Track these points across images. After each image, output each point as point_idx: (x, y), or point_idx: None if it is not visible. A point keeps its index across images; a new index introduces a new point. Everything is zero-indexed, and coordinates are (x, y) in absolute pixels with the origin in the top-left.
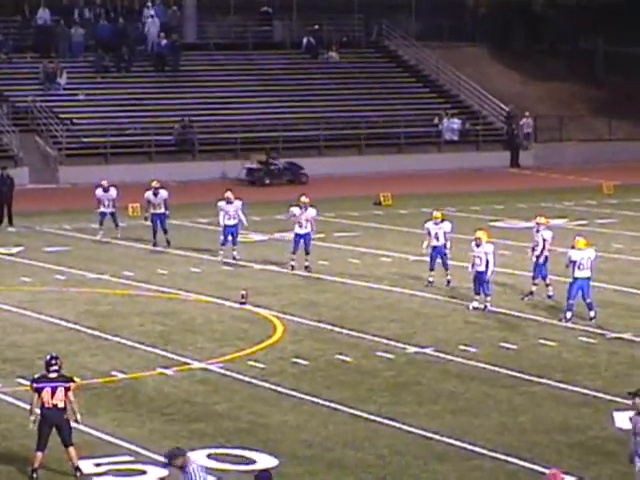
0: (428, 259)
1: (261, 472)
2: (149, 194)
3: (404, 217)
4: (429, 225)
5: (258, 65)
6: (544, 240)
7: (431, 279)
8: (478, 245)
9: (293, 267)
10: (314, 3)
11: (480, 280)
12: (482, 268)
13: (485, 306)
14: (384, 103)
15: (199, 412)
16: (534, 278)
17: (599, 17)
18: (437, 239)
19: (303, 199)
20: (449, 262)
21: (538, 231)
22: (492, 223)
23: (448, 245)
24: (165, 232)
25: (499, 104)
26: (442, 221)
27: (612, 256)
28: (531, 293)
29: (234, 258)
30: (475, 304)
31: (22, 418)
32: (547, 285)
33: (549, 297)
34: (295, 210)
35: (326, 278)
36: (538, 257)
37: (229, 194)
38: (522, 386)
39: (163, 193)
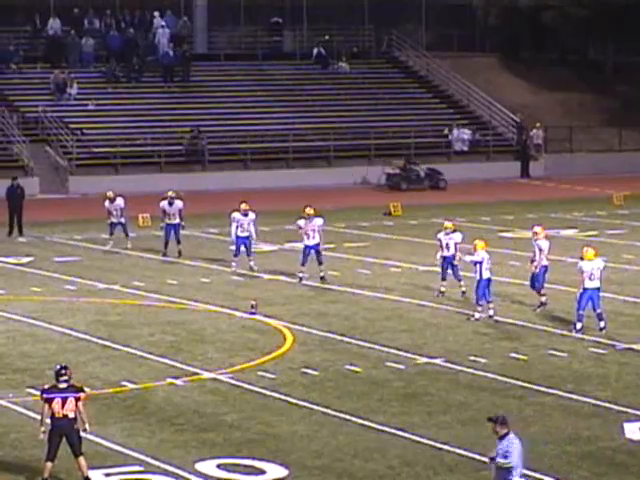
0: (439, 269)
1: None
2: (164, 204)
3: (414, 227)
4: (440, 235)
5: (268, 75)
6: (540, 250)
7: (442, 289)
8: (475, 250)
9: (301, 279)
10: (324, 13)
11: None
12: (478, 277)
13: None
14: (394, 113)
15: (209, 422)
16: (539, 289)
17: (609, 27)
18: (447, 249)
19: (308, 210)
20: (461, 273)
21: (536, 240)
22: (502, 234)
23: (457, 256)
24: (178, 242)
25: (509, 114)
26: (453, 231)
27: (622, 267)
28: (542, 304)
29: (251, 269)
30: (477, 315)
31: (32, 428)
32: (541, 295)
33: (542, 305)
34: (301, 222)
35: (336, 288)
36: (536, 267)
37: (244, 205)
38: (532, 397)
39: (178, 203)
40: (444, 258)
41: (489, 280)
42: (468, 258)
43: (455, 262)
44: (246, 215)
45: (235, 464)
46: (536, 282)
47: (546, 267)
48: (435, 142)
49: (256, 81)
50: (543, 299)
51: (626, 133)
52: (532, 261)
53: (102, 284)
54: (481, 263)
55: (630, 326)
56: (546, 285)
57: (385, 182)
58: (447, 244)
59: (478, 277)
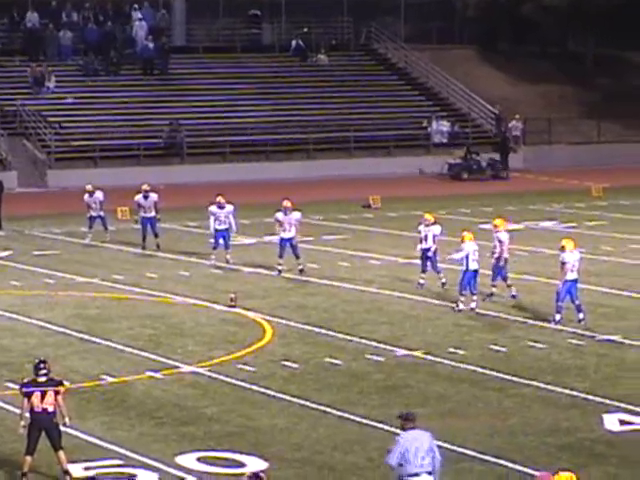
0: (419, 261)
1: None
2: (139, 197)
3: (393, 220)
4: (420, 228)
5: (247, 68)
6: (500, 242)
7: (422, 281)
8: (462, 241)
9: (280, 272)
10: (303, 6)
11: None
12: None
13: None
14: (373, 106)
15: (189, 415)
16: (493, 280)
17: (589, 19)
18: (426, 241)
19: (285, 203)
20: (439, 265)
21: (496, 233)
22: (481, 225)
23: (433, 248)
24: (156, 236)
25: (488, 106)
26: (433, 224)
27: (601, 258)
28: (491, 294)
29: (227, 262)
30: (462, 306)
31: (11, 422)
32: (508, 286)
33: (513, 297)
34: (279, 215)
35: (315, 281)
36: (498, 259)
37: (221, 198)
38: (511, 388)
39: (153, 196)
40: (423, 250)
41: (476, 272)
42: (456, 256)
43: (430, 254)
44: (222, 208)
45: (215, 457)
46: (498, 274)
47: (506, 259)
48: (414, 134)
49: (235, 74)
50: (493, 290)
51: (605, 125)
52: (492, 253)
53: (81, 277)
54: (467, 255)
55: (609, 317)
56: (525, 277)
57: (447, 172)
58: (426, 236)
59: (464, 268)
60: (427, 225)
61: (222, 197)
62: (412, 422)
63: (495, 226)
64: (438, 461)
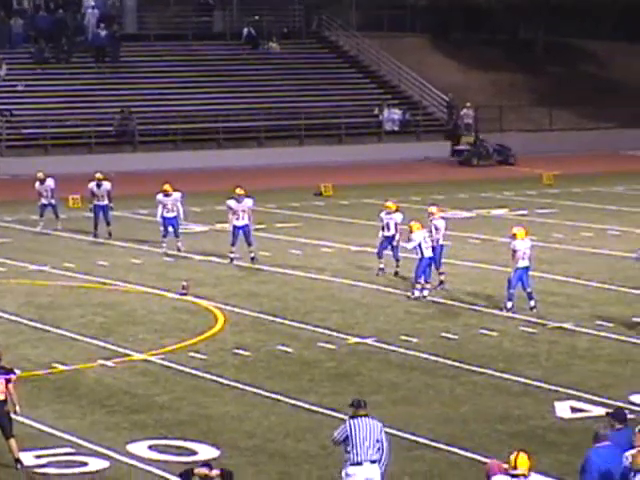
0: (376, 249)
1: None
2: (92, 185)
3: (345, 208)
4: (382, 215)
5: (198, 56)
6: (437, 229)
7: (381, 266)
8: (411, 232)
9: (232, 260)
10: None
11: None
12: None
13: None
14: (324, 94)
15: (140, 403)
16: (437, 268)
17: (538, 7)
18: (388, 229)
19: (238, 190)
20: (400, 254)
21: (432, 220)
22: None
23: (397, 237)
24: (108, 224)
25: (440, 94)
26: (395, 211)
27: (552, 246)
28: (441, 282)
29: (179, 249)
30: (417, 293)
31: None
32: (440, 274)
33: (440, 284)
34: (231, 202)
35: (267, 269)
36: (441, 246)
37: (167, 186)
38: (463, 376)
39: (106, 185)
40: (385, 237)
41: (431, 259)
42: (409, 246)
43: (394, 243)
44: (168, 196)
45: (166, 445)
46: (434, 262)
47: (442, 246)
48: (366, 122)
49: (186, 61)
50: (442, 277)
51: (556, 113)
52: (383, 229)
53: (33, 265)
54: (420, 244)
55: (560, 305)
56: (477, 265)
57: (455, 158)
58: (387, 224)
59: (420, 256)
60: (388, 213)
61: (169, 185)
62: (363, 409)
63: (431, 214)
64: (385, 452)
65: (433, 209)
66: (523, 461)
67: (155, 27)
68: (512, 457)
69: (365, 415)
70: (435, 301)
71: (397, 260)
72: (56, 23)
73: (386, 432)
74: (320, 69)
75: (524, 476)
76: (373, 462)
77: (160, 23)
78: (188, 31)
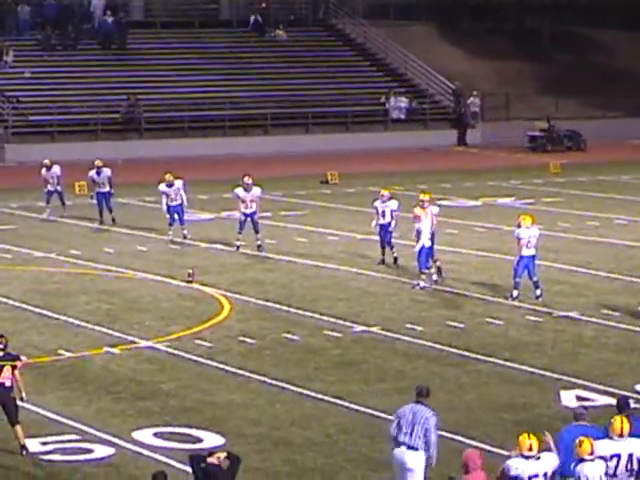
0: (378, 238)
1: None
2: (92, 173)
3: (351, 196)
4: (377, 203)
5: (205, 43)
6: (432, 215)
7: (383, 257)
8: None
9: (238, 247)
10: None
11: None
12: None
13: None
14: (331, 81)
15: (146, 391)
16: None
17: None
18: (384, 217)
19: (246, 179)
20: (393, 240)
21: (424, 207)
22: (439, 202)
23: (393, 224)
24: (110, 211)
25: (446, 82)
26: (390, 199)
27: (558, 235)
28: (439, 271)
29: (184, 237)
30: (422, 283)
31: None
32: (434, 261)
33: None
34: (239, 191)
35: (273, 257)
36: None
37: (169, 176)
38: (469, 364)
39: (106, 171)
40: (381, 226)
41: (430, 248)
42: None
43: (390, 230)
44: (171, 186)
45: (172, 432)
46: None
47: (433, 233)
48: (372, 110)
49: (193, 49)
50: (438, 263)
51: (563, 101)
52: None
53: (38, 252)
54: (421, 232)
55: (566, 294)
56: (483, 254)
57: (528, 144)
58: (383, 211)
59: (420, 245)
60: (384, 201)
61: (170, 174)
62: (419, 397)
63: (422, 201)
64: (430, 442)
65: (425, 196)
66: (536, 443)
67: (162, 14)
68: (525, 440)
69: (418, 402)
70: (440, 289)
71: (391, 247)
72: (63, 10)
73: (391, 420)
74: (327, 57)
75: (537, 458)
76: (410, 448)
77: (167, 10)
78: (195, 18)
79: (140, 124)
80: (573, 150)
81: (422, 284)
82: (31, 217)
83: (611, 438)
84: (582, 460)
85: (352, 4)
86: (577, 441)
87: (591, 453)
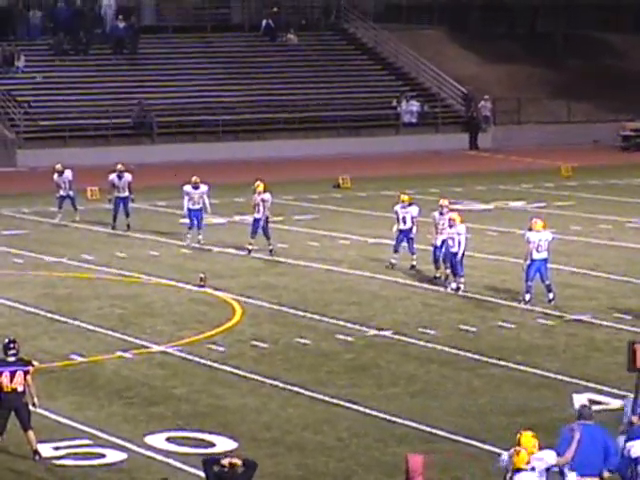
0: (394, 241)
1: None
2: (113, 177)
3: (363, 200)
4: (397, 208)
5: (216, 48)
6: (412, 217)
7: (394, 261)
8: (451, 226)
9: (250, 251)
10: None
11: (454, 261)
12: (455, 249)
13: (459, 287)
14: (343, 85)
15: (158, 395)
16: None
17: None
18: (404, 222)
19: (257, 184)
20: (415, 246)
21: (442, 214)
22: (451, 205)
23: (414, 230)
24: (127, 215)
25: (458, 86)
26: (410, 204)
27: (570, 238)
28: (446, 278)
29: (199, 242)
30: (454, 285)
31: None
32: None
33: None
34: (263, 195)
35: (285, 261)
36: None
37: (196, 179)
38: (481, 368)
39: (127, 176)
40: (401, 231)
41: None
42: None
43: (412, 236)
44: (197, 188)
45: (184, 437)
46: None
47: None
48: (384, 114)
49: (204, 53)
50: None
51: (574, 105)
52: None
53: (50, 257)
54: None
55: (578, 297)
56: (495, 257)
57: (621, 143)
58: (404, 217)
59: (457, 249)
60: (404, 207)
61: (197, 178)
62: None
63: (441, 206)
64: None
65: (446, 202)
66: (528, 440)
67: (173, 19)
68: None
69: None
70: (453, 294)
71: (413, 254)
72: (74, 15)
73: (404, 424)
74: (338, 61)
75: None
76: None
77: (178, 15)
78: (206, 23)
79: (152, 129)
80: None
81: (454, 285)
82: (43, 222)
83: None
84: (519, 470)
85: (363, 8)
86: (513, 450)
87: (527, 463)
